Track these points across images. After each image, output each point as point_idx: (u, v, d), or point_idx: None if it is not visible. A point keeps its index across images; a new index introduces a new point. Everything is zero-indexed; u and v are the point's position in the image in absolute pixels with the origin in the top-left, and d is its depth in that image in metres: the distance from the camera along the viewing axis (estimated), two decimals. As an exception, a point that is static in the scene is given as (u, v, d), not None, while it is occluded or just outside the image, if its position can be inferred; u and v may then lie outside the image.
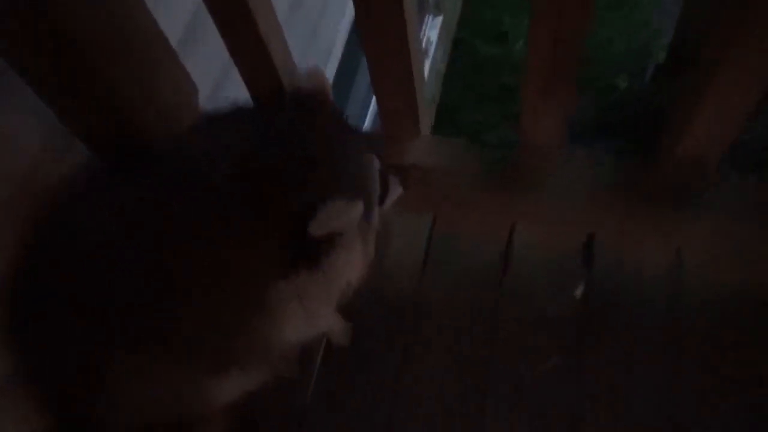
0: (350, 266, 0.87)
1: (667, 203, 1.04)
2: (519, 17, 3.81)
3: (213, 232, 0.78)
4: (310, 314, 1.03)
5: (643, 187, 1.04)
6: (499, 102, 3.61)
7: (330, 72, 2.23)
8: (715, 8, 0.83)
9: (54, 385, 0.93)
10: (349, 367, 1.22)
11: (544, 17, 0.78)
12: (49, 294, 0.85)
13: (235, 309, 0.86)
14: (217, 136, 0.88)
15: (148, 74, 0.95)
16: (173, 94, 1.04)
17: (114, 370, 0.88)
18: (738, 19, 0.74)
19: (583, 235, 1.24)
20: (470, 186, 1.12)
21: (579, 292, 1.24)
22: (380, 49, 0.94)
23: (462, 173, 1.10)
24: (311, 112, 0.88)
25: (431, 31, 3.62)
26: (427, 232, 1.33)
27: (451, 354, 1.20)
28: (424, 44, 3.53)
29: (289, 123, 0.85)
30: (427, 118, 1.14)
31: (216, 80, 1.52)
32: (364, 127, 2.61)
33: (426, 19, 3.61)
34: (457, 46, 3.93)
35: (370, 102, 2.80)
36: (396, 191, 1.00)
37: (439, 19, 3.66)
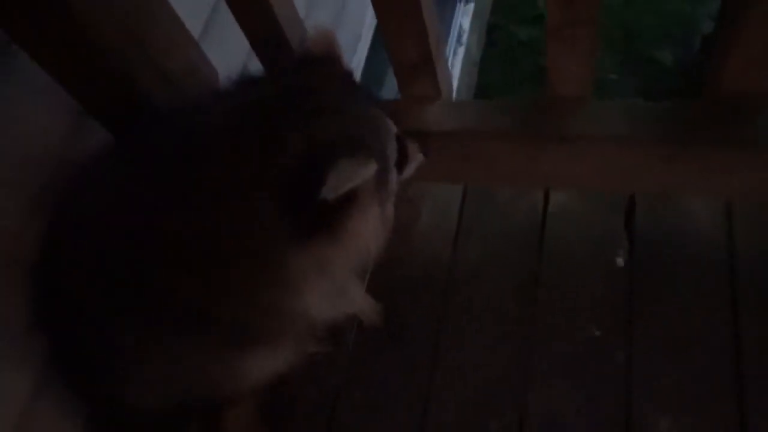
0: (368, 232, 0.82)
1: (711, 147, 0.95)
2: (554, -4, 3.70)
3: (219, 197, 0.75)
4: (335, 287, 1.00)
5: (687, 130, 0.95)
6: (540, 84, 3.51)
7: (360, 55, 2.21)
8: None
9: (82, 369, 0.93)
10: (383, 343, 1.18)
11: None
12: (70, 276, 0.85)
13: (254, 281, 0.83)
14: (223, 98, 0.86)
15: (156, 51, 0.94)
16: (188, 75, 1.04)
17: (139, 349, 0.88)
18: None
19: (624, 191, 1.17)
20: (498, 145, 1.06)
21: (621, 258, 1.17)
22: None
23: (488, 132, 1.04)
24: (321, 72, 0.85)
25: (463, 19, 3.56)
26: (459, 200, 1.28)
27: (488, 325, 1.15)
28: (457, 32, 3.47)
29: (296, 82, 0.82)
30: (447, 80, 1.09)
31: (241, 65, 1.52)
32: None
33: (458, 6, 3.55)
34: (493, 31, 3.86)
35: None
36: (417, 158, 0.96)
37: (471, 6, 3.59)
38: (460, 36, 3.50)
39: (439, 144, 1.04)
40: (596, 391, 1.04)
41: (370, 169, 0.74)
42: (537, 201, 1.25)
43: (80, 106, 1.00)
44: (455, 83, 3.26)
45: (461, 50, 3.42)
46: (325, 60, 0.87)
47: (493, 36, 3.85)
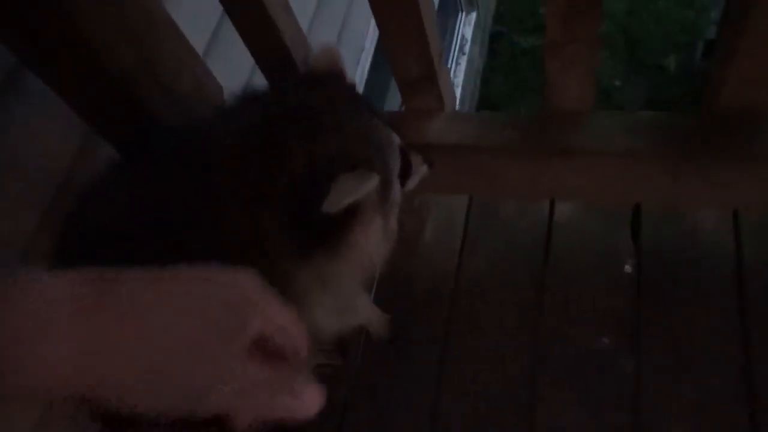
0: (371, 245, 0.82)
1: (714, 159, 0.95)
2: (556, 6, 3.72)
3: (223, 214, 0.75)
4: (341, 301, 1.01)
5: (690, 143, 0.95)
6: (542, 93, 3.52)
7: (362, 67, 2.22)
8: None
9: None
10: (389, 356, 1.18)
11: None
12: None
13: None
14: (227, 116, 0.87)
15: (164, 70, 0.95)
16: (194, 91, 1.04)
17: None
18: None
19: (629, 203, 1.17)
20: (501, 158, 1.06)
21: (629, 267, 1.16)
22: (389, 5, 0.91)
23: (490, 146, 1.04)
24: (324, 89, 0.86)
25: (466, 29, 3.58)
26: (464, 211, 1.29)
27: (495, 337, 1.15)
28: (459, 42, 3.49)
29: (299, 99, 0.83)
30: (450, 92, 1.10)
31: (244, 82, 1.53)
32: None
33: (460, 16, 3.58)
34: (495, 40, 3.88)
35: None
36: (420, 170, 0.97)
37: (473, 15, 3.61)
38: (462, 46, 3.52)
39: (443, 156, 1.04)
40: (605, 404, 1.04)
41: (372, 182, 0.74)
42: (542, 212, 1.25)
43: (88, 126, 1.01)
44: (458, 93, 3.27)
45: (464, 60, 3.44)
46: (328, 76, 0.88)
47: (496, 45, 3.88)
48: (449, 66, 3.30)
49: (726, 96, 0.89)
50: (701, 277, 1.10)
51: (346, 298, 1.04)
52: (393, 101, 2.78)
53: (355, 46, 2.18)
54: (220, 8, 1.42)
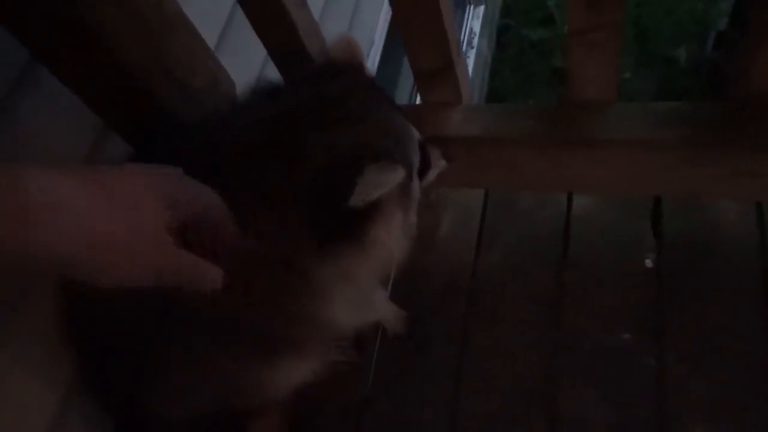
0: (391, 240, 0.81)
1: (737, 149, 0.93)
2: (564, -3, 3.69)
3: (246, 208, 0.75)
4: (360, 296, 1.00)
5: (714, 132, 0.93)
6: (552, 86, 3.49)
7: (372, 61, 2.21)
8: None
9: (110, 379, 0.93)
10: (407, 352, 1.17)
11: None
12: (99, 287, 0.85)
13: (283, 289, 0.82)
14: (244, 110, 0.86)
15: (177, 64, 0.94)
16: (208, 86, 1.03)
17: (168, 359, 0.88)
18: None
19: (650, 194, 1.15)
20: (520, 150, 1.04)
21: (650, 261, 1.15)
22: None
23: (509, 138, 1.03)
24: (343, 80, 0.84)
25: (474, 22, 3.55)
26: (481, 205, 1.27)
27: (513, 332, 1.14)
28: (467, 36, 3.47)
29: (318, 91, 0.81)
30: (467, 85, 1.08)
31: (256, 76, 1.52)
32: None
33: (468, 9, 3.55)
34: (503, 33, 3.85)
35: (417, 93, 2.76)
36: (439, 165, 0.95)
37: (481, 8, 3.58)
38: (470, 39, 3.49)
39: (462, 149, 1.02)
40: (628, 399, 1.02)
41: (398, 175, 0.73)
42: (560, 205, 1.23)
43: (103, 122, 1.00)
44: (467, 86, 3.24)
45: (472, 53, 3.41)
46: (346, 66, 0.86)
47: (504, 38, 3.85)
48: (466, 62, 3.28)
49: (753, 82, 0.87)
50: (724, 270, 1.08)
51: (365, 293, 1.03)
52: (402, 95, 2.77)
53: (365, 40, 2.17)
54: (230, 1, 1.42)
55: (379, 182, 0.70)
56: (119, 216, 0.55)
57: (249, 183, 0.75)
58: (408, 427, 1.10)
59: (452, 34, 0.95)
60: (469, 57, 3.37)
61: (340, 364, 1.15)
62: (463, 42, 3.39)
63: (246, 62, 1.43)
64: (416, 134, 0.88)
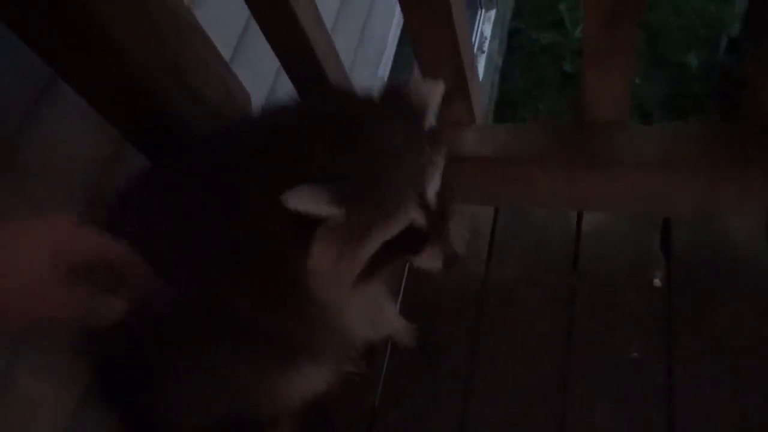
0: (325, 263, 0.78)
1: (751, 171, 0.94)
2: (574, 1, 3.68)
3: (255, 216, 0.77)
4: (368, 307, 1.01)
5: (725, 155, 0.94)
6: (562, 90, 3.49)
7: (384, 70, 2.22)
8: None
9: (125, 387, 0.95)
10: (418, 364, 1.19)
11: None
12: None
13: (284, 296, 0.84)
14: (255, 126, 0.89)
15: (193, 76, 0.96)
16: (224, 102, 1.05)
17: (184, 367, 0.90)
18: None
19: (662, 212, 1.16)
20: (534, 170, 1.06)
21: (658, 281, 1.16)
22: (422, 18, 0.89)
23: (523, 157, 1.04)
24: (391, 118, 0.78)
25: (485, 26, 3.55)
26: (491, 218, 1.28)
27: (524, 344, 1.15)
28: (478, 40, 3.47)
29: (356, 114, 0.81)
30: (481, 104, 1.09)
31: (269, 87, 1.54)
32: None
33: (479, 13, 3.55)
34: (513, 37, 3.84)
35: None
36: (430, 263, 0.84)
37: (492, 12, 3.58)
38: (481, 43, 3.49)
39: (474, 169, 1.04)
40: (638, 413, 1.04)
41: (323, 209, 0.71)
42: (571, 219, 1.24)
43: (119, 133, 1.02)
44: (477, 90, 3.24)
45: (483, 57, 3.41)
46: (400, 108, 0.80)
47: (514, 41, 3.84)
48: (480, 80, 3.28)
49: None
50: (733, 286, 1.09)
51: (374, 304, 1.04)
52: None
53: (376, 49, 2.18)
54: (245, 14, 1.44)
55: (304, 199, 0.70)
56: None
57: (261, 190, 0.76)
58: (418, 437, 1.12)
59: (468, 56, 0.96)
60: (479, 61, 3.37)
61: (351, 375, 1.18)
62: (473, 46, 3.40)
63: (259, 73, 1.45)
64: (415, 218, 0.78)
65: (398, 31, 2.31)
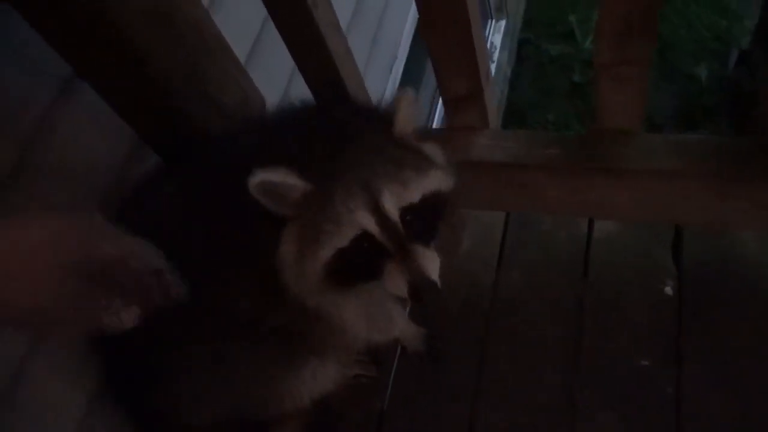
0: (291, 259, 0.81)
1: (761, 183, 0.94)
2: (584, 13, 3.69)
3: (238, 212, 0.80)
4: (375, 308, 1.01)
5: (735, 167, 0.94)
6: (571, 99, 3.50)
7: (395, 76, 2.23)
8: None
9: (133, 386, 0.96)
10: (426, 369, 1.19)
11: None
12: None
13: (280, 292, 0.85)
14: (259, 127, 0.93)
15: (211, 81, 0.97)
16: (240, 106, 1.06)
17: (192, 365, 0.91)
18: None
19: (672, 222, 1.16)
20: (544, 176, 1.06)
21: (669, 289, 1.15)
22: (439, 18, 0.90)
23: (535, 163, 1.04)
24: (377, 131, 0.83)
25: (494, 36, 3.56)
26: (501, 226, 1.29)
27: (533, 351, 1.15)
28: (488, 50, 3.49)
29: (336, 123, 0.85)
30: (493, 110, 1.10)
31: (283, 89, 1.56)
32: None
33: (489, 24, 3.56)
34: (523, 47, 3.86)
35: (437, 105, 2.78)
36: (395, 289, 0.79)
37: (503, 22, 3.60)
38: (491, 53, 3.50)
39: (486, 174, 1.04)
40: (645, 424, 1.03)
41: (281, 180, 0.75)
42: (581, 228, 1.24)
43: (137, 135, 1.03)
44: (487, 100, 3.25)
45: (492, 67, 3.43)
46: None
47: (524, 52, 3.85)
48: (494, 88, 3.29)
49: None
50: (743, 297, 1.09)
51: (381, 306, 1.05)
52: (426, 94, 2.77)
53: (388, 55, 2.19)
54: (261, 17, 1.45)
55: (269, 176, 0.75)
56: (15, 256, 0.64)
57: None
58: (426, 442, 1.12)
59: (483, 64, 0.97)
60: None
61: (360, 378, 1.18)
62: (484, 55, 3.41)
63: (274, 77, 1.46)
64: (372, 227, 0.77)
65: (411, 34, 2.33)
